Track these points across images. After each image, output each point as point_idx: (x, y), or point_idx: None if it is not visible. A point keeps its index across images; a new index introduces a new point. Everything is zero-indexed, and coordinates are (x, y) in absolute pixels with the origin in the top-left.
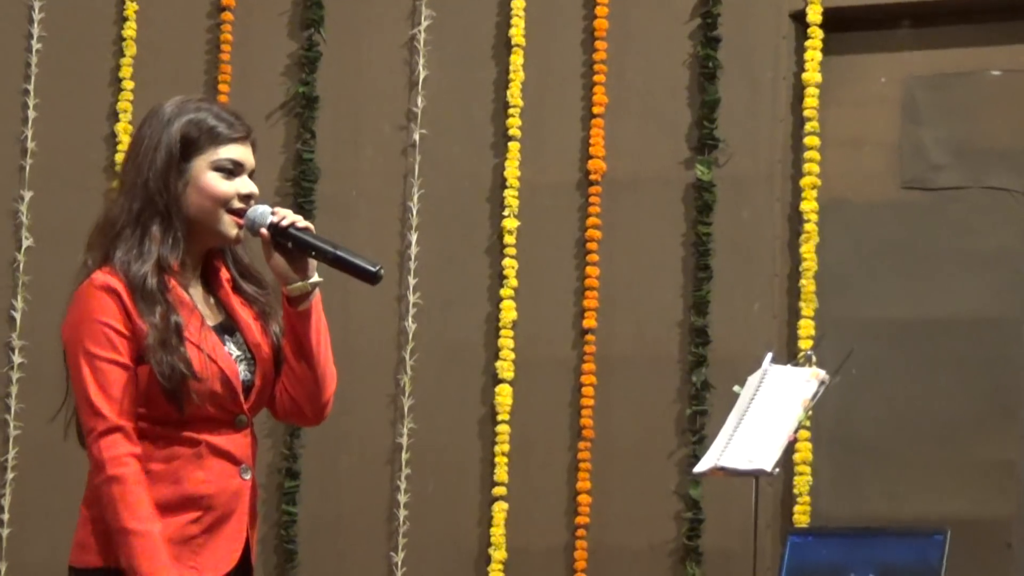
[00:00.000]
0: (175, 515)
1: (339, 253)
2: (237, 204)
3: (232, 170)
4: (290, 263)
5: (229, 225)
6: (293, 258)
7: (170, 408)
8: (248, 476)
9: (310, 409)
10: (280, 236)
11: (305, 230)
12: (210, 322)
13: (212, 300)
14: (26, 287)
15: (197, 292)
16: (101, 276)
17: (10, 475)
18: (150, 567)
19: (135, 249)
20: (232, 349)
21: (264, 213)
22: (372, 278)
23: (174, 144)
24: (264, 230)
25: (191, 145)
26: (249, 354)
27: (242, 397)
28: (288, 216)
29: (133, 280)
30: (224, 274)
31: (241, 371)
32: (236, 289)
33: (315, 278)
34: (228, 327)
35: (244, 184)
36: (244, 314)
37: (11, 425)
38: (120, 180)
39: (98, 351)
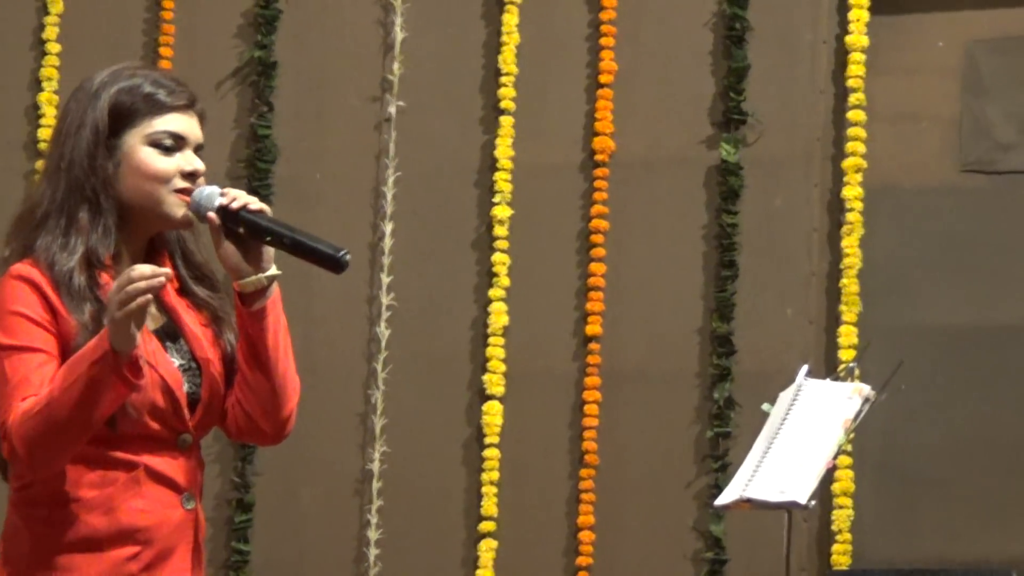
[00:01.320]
0: (109, 550)
1: (297, 237)
2: (180, 184)
3: (173, 145)
4: (243, 253)
5: (174, 205)
6: (246, 247)
7: (101, 425)
8: (192, 506)
9: (268, 425)
10: (230, 221)
11: (259, 213)
12: (151, 325)
13: (153, 301)
14: None
15: None
16: (19, 267)
17: None
18: (86, 354)
19: (60, 240)
20: (174, 357)
21: (212, 194)
22: (336, 265)
23: (101, 118)
24: (212, 214)
25: (122, 118)
26: (194, 364)
27: (187, 412)
28: (240, 197)
29: (57, 275)
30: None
31: (185, 382)
32: (183, 291)
33: (272, 270)
34: (170, 332)
35: (187, 160)
36: (190, 319)
37: None
38: (44, 165)
39: (13, 342)
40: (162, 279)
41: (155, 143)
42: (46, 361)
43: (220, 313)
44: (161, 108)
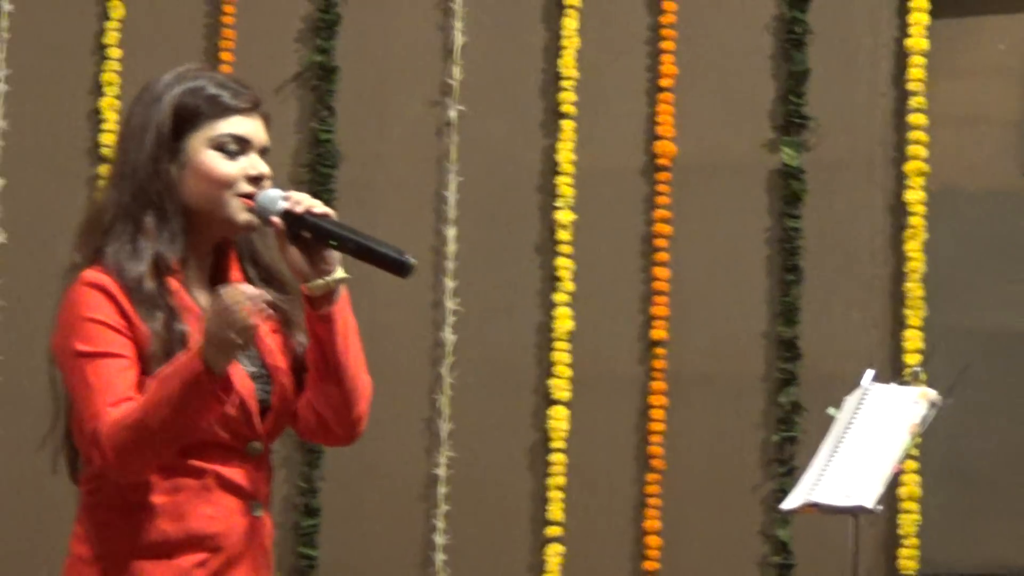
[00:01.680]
0: (178, 556)
1: (363, 241)
2: (244, 188)
3: (237, 148)
4: (308, 257)
5: (237, 209)
6: (311, 251)
7: None
8: (260, 513)
9: (339, 426)
10: (295, 225)
11: (323, 216)
12: None
13: None
14: (0, 291)
15: (203, 296)
16: (91, 273)
17: None
18: (175, 370)
19: (128, 246)
20: (245, 364)
21: (275, 198)
22: (402, 269)
23: (165, 121)
24: (276, 218)
25: (186, 120)
26: (264, 370)
27: (257, 420)
28: (304, 201)
29: (128, 281)
30: (236, 275)
31: (256, 390)
32: None
33: (339, 274)
34: None
35: (252, 163)
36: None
37: None
38: (110, 167)
39: (92, 348)
40: (267, 309)
41: (219, 146)
42: (128, 366)
43: (290, 315)
44: (225, 110)
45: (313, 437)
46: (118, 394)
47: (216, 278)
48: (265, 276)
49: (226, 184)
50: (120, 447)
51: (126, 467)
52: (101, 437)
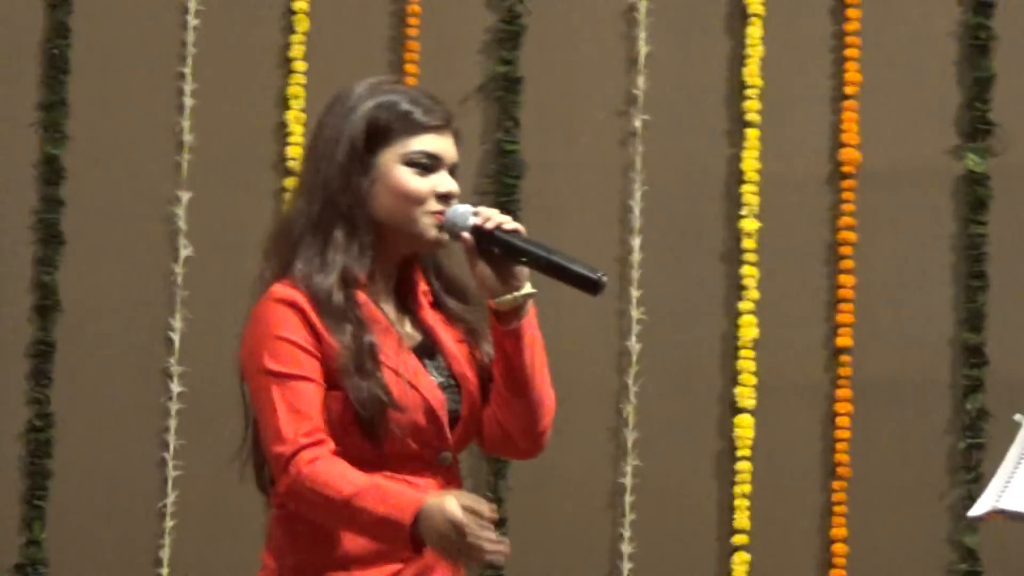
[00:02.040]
0: (372, 567)
1: (554, 259)
2: (434, 206)
3: (428, 165)
4: (497, 272)
5: (428, 226)
6: (501, 266)
7: (365, 444)
8: None
9: (524, 440)
10: (485, 241)
11: (514, 233)
12: (408, 342)
13: (408, 318)
14: (185, 304)
15: (391, 308)
16: (280, 289)
17: (169, 523)
18: (390, 505)
19: (317, 259)
20: (434, 375)
21: (465, 214)
22: (594, 287)
23: (358, 134)
24: (466, 234)
25: (378, 135)
26: (453, 380)
27: (447, 430)
28: (494, 217)
29: (317, 294)
30: (422, 287)
31: (446, 400)
32: (437, 305)
33: (527, 289)
34: (428, 349)
35: (443, 181)
36: (446, 335)
37: (169, 464)
38: (299, 178)
39: (282, 368)
40: (502, 556)
41: (411, 163)
42: (315, 391)
43: (475, 326)
44: (418, 127)
45: (497, 450)
46: (306, 420)
47: (401, 290)
48: (449, 287)
49: (416, 201)
50: (305, 500)
51: (297, 510)
52: (292, 474)
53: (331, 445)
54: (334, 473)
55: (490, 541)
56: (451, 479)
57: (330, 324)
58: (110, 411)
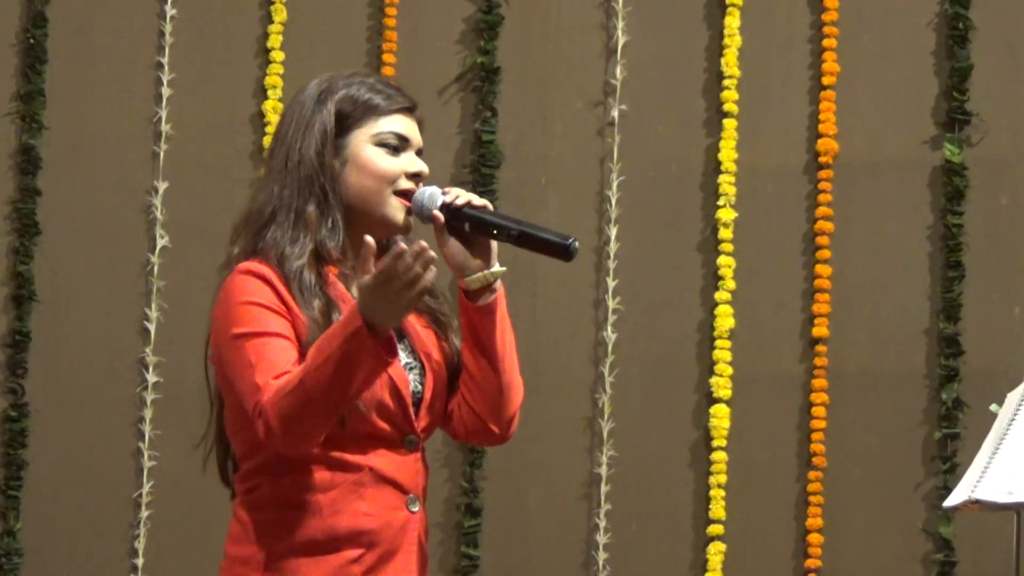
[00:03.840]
0: (333, 553)
1: (524, 228)
2: (404, 184)
3: (397, 145)
4: (468, 249)
5: (396, 208)
6: (471, 243)
7: None
8: (416, 508)
9: (496, 423)
10: (454, 218)
11: (482, 208)
12: None
13: None
14: (161, 293)
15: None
16: (247, 263)
17: (144, 513)
18: (335, 337)
19: (288, 234)
20: (400, 355)
21: (434, 194)
22: (565, 252)
23: (328, 119)
24: (436, 211)
25: (349, 118)
26: (418, 362)
27: (411, 409)
28: (462, 195)
29: (288, 271)
30: None
31: (411, 380)
32: None
33: (497, 267)
34: (395, 331)
35: (412, 161)
36: (411, 319)
37: (145, 455)
38: (267, 167)
39: (249, 329)
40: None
41: (381, 142)
42: (288, 346)
43: (440, 316)
44: (386, 110)
45: (468, 437)
46: (279, 370)
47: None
48: None
49: (387, 179)
50: (284, 414)
51: (290, 434)
52: (264, 406)
53: None
54: (285, 376)
55: (413, 256)
56: (416, 463)
57: (299, 299)
58: (85, 401)
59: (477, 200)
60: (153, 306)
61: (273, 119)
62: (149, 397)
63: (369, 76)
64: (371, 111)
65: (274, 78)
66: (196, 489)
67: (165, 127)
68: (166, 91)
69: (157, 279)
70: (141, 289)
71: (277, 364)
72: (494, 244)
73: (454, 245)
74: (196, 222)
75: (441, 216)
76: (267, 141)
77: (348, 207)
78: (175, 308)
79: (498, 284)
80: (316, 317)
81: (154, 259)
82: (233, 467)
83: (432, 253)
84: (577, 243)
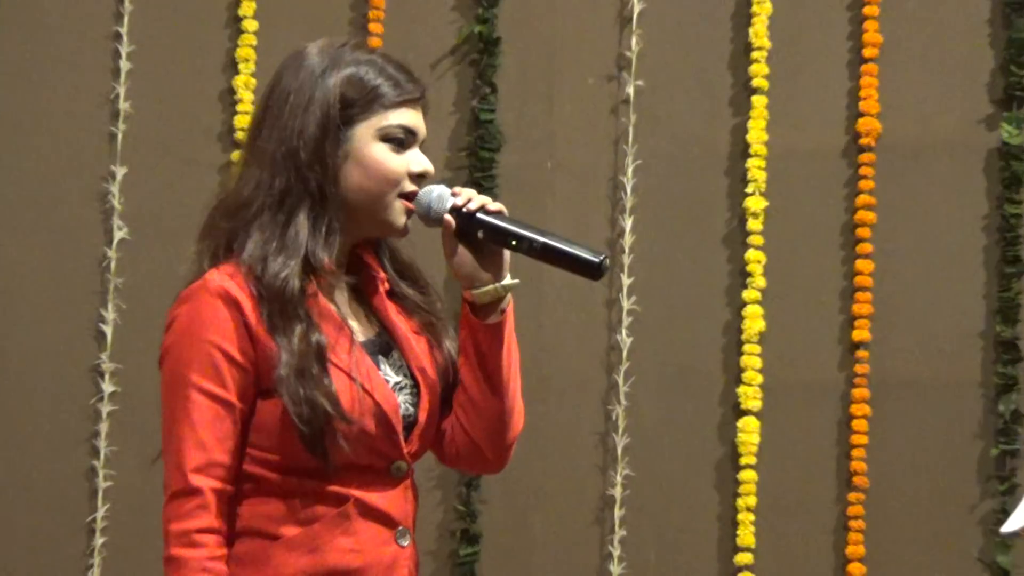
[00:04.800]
0: None
1: (549, 241)
2: (408, 186)
3: (404, 140)
4: (479, 259)
5: (398, 212)
6: (483, 253)
7: (307, 455)
8: (407, 542)
9: (492, 451)
10: (466, 224)
11: (498, 214)
12: (361, 337)
13: (363, 308)
14: (119, 292)
15: (343, 298)
16: (217, 278)
17: (99, 540)
18: None
19: (275, 241)
20: (389, 374)
21: (442, 195)
22: (595, 271)
23: (333, 103)
24: (448, 216)
25: (355, 105)
26: (411, 379)
27: (401, 438)
28: (475, 198)
29: (270, 284)
30: (380, 274)
31: (401, 403)
32: (393, 294)
33: (510, 279)
34: (383, 345)
35: (416, 159)
36: (404, 326)
37: (100, 475)
38: (249, 148)
39: (205, 385)
40: None
41: (387, 137)
42: (225, 416)
43: (434, 319)
44: (396, 100)
45: (458, 463)
46: (211, 458)
47: (352, 275)
48: (403, 274)
49: (391, 181)
50: (165, 542)
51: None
52: (168, 515)
53: (227, 492)
54: (212, 464)
55: None
56: (405, 491)
57: (275, 322)
58: (34, 414)
59: (492, 204)
60: (110, 307)
61: (245, 96)
62: (105, 409)
63: (376, 54)
64: (379, 100)
65: (246, 50)
66: (157, 513)
67: (123, 105)
68: (124, 65)
69: (114, 276)
70: (96, 287)
71: (208, 448)
72: (507, 254)
73: (463, 254)
74: (158, 212)
75: (453, 221)
76: (238, 121)
77: (346, 208)
78: (134, 309)
79: (508, 297)
80: (293, 345)
81: (111, 254)
82: None
83: None
84: (608, 260)
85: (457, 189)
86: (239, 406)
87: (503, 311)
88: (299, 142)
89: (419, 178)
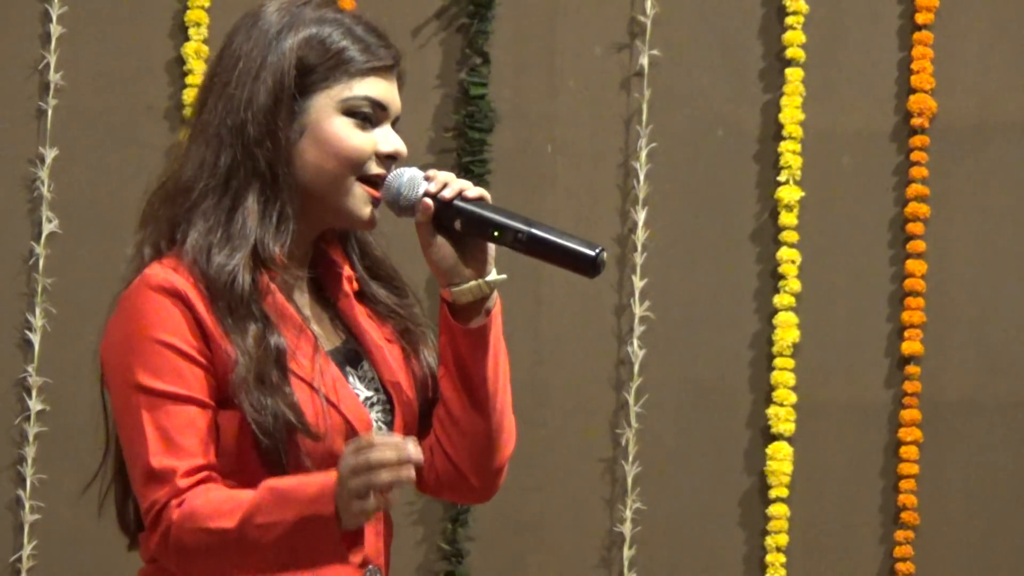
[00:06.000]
0: None
1: (537, 232)
2: (373, 170)
3: (370, 115)
4: (460, 253)
5: (361, 201)
6: (464, 246)
7: (268, 476)
8: None
9: (477, 477)
10: (443, 213)
11: (479, 201)
12: (326, 345)
13: (327, 312)
14: (49, 295)
15: (304, 300)
16: (160, 272)
17: None
18: (299, 504)
19: (220, 229)
20: (359, 387)
21: (415, 179)
22: (591, 266)
23: (287, 70)
24: (428, 200)
25: (312, 73)
26: (383, 394)
27: None
28: (452, 182)
29: (215, 278)
30: (346, 271)
31: (373, 420)
32: (362, 296)
33: (494, 275)
34: (351, 354)
35: (386, 137)
36: (375, 333)
37: (26, 506)
38: (194, 124)
39: (157, 385)
40: (411, 473)
41: (351, 111)
42: (198, 415)
43: (410, 325)
44: (362, 67)
45: (440, 491)
46: (185, 456)
47: (318, 277)
48: (375, 273)
49: (354, 161)
50: (188, 548)
51: (185, 570)
52: (166, 523)
53: (217, 484)
54: (215, 501)
55: (390, 449)
56: (376, 523)
57: (226, 320)
58: None
59: (472, 190)
60: (38, 312)
61: (196, 66)
62: (32, 430)
63: (345, 14)
64: (343, 66)
65: (197, 13)
66: (92, 550)
67: (54, 77)
68: (55, 29)
69: (43, 276)
70: (22, 289)
71: (180, 447)
72: (491, 247)
73: (443, 247)
74: (94, 201)
75: (431, 205)
76: (188, 95)
77: (299, 191)
78: (66, 314)
79: (494, 298)
80: (248, 348)
81: (39, 249)
82: (136, 516)
83: (416, 455)
84: (605, 254)
85: (431, 172)
86: (204, 402)
87: (488, 312)
88: (247, 114)
89: (388, 160)
